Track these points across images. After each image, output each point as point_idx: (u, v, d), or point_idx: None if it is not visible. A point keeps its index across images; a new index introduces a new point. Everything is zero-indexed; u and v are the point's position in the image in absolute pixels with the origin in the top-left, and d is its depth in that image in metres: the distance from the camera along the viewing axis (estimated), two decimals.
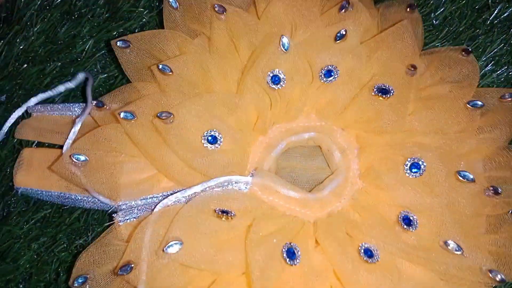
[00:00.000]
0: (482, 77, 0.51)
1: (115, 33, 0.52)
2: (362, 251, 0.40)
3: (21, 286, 0.45)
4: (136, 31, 0.52)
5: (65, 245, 0.46)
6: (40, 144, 0.48)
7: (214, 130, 0.43)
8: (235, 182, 0.43)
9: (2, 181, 0.47)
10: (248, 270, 0.38)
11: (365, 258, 0.39)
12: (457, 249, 0.39)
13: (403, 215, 0.41)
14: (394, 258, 0.41)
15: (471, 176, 0.41)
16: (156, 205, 0.41)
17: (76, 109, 0.47)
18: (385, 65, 0.46)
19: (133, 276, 0.38)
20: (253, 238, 0.39)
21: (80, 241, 0.46)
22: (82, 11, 0.52)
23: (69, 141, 0.43)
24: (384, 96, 0.44)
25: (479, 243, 0.41)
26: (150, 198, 0.43)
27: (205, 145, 0.43)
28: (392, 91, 0.44)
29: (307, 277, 0.39)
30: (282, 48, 0.44)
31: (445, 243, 0.40)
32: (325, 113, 0.47)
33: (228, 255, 0.39)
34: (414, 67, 0.45)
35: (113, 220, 0.42)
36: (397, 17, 0.48)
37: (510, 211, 0.44)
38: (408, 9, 0.49)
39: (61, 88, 0.49)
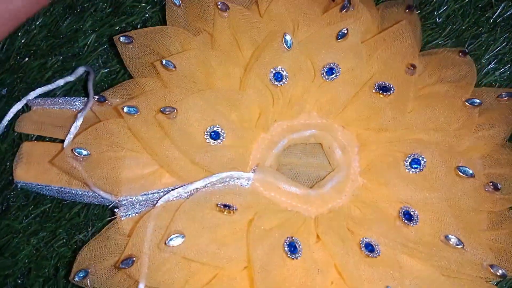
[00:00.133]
0: (485, 75, 0.53)
1: (117, 28, 0.53)
2: (363, 245, 0.41)
3: (19, 281, 0.46)
4: (139, 26, 0.53)
5: (65, 240, 0.47)
6: (40, 138, 0.49)
7: (217, 126, 0.44)
8: (237, 178, 0.44)
9: (2, 175, 0.48)
10: (250, 264, 0.39)
11: (366, 253, 0.41)
12: (458, 243, 0.41)
13: (403, 210, 0.43)
14: (395, 252, 0.42)
15: (471, 171, 0.42)
16: (158, 200, 0.42)
17: (77, 103, 0.48)
18: (385, 64, 0.48)
19: (134, 269, 0.39)
20: (255, 232, 0.40)
21: (80, 236, 0.47)
22: (85, 5, 0.54)
23: (70, 136, 0.44)
24: (384, 93, 0.45)
25: (480, 239, 0.43)
26: (151, 193, 0.44)
27: (207, 140, 0.44)
28: (392, 89, 0.45)
29: (308, 271, 0.40)
30: (285, 45, 0.45)
31: (446, 237, 0.41)
32: (326, 111, 0.48)
33: (230, 249, 0.40)
34: (413, 66, 0.46)
35: (115, 215, 0.43)
36: (396, 18, 0.50)
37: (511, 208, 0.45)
38: (407, 10, 0.50)
39: (60, 81, 0.49)
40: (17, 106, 0.48)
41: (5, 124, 0.48)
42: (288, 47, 0.45)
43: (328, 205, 0.45)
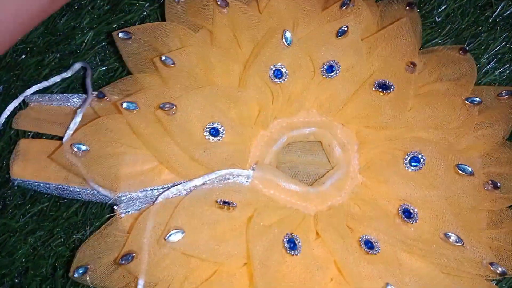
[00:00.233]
0: (485, 74, 0.54)
1: (115, 25, 0.54)
2: (363, 242, 0.42)
3: (17, 280, 0.46)
4: (137, 23, 0.54)
5: (63, 239, 0.47)
6: (37, 136, 0.49)
7: (216, 122, 0.45)
8: (237, 175, 0.44)
9: None
10: (250, 260, 0.40)
11: (365, 250, 0.41)
12: (457, 241, 0.41)
13: (403, 208, 0.43)
14: (395, 250, 0.43)
15: (470, 169, 0.43)
16: (157, 197, 0.42)
17: (75, 100, 0.49)
18: (385, 62, 0.48)
19: (134, 265, 0.40)
20: (254, 228, 0.41)
21: (78, 235, 0.47)
22: (82, 2, 0.54)
23: (69, 132, 0.44)
24: (384, 92, 0.46)
25: (480, 237, 0.44)
26: (150, 190, 0.44)
27: (207, 137, 0.44)
28: (392, 87, 0.46)
29: (308, 267, 0.41)
30: (285, 42, 0.46)
31: (446, 235, 0.42)
32: (326, 109, 0.49)
33: (229, 246, 0.41)
34: (413, 64, 0.47)
35: (114, 213, 0.44)
36: (396, 15, 0.51)
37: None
38: (407, 8, 0.51)
39: (57, 78, 0.50)
40: (14, 103, 0.49)
41: (2, 121, 0.48)
42: (288, 44, 0.46)
43: (327, 202, 0.46)
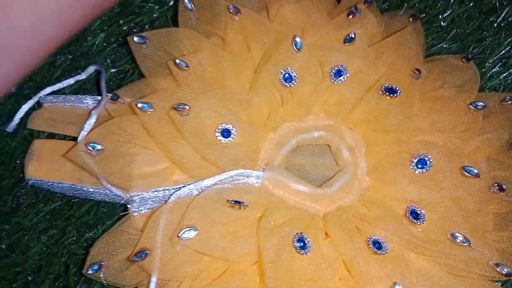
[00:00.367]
0: (489, 79, 0.55)
1: (125, 27, 0.55)
2: (371, 242, 0.44)
3: (30, 278, 0.47)
4: (147, 26, 0.56)
5: (75, 238, 0.48)
6: (50, 137, 0.51)
7: (228, 123, 0.47)
8: (247, 176, 0.46)
9: (12, 172, 0.50)
10: (260, 258, 0.42)
11: (374, 250, 0.43)
12: (464, 241, 0.43)
13: (410, 209, 0.45)
14: (403, 250, 0.44)
15: (476, 171, 0.45)
16: (170, 196, 0.44)
17: (88, 101, 0.51)
18: (391, 68, 0.51)
19: (147, 262, 0.42)
20: (265, 227, 0.43)
21: (90, 234, 0.49)
22: None
23: (84, 132, 0.46)
24: (391, 95, 0.48)
25: (486, 239, 0.45)
26: (162, 190, 0.46)
27: (218, 138, 0.46)
28: (398, 91, 0.48)
29: (317, 266, 0.43)
30: (295, 47, 0.48)
31: (453, 235, 0.44)
32: (334, 113, 0.51)
33: (241, 244, 0.43)
34: (418, 70, 0.49)
35: (126, 211, 0.46)
36: (400, 26, 0.53)
37: None
38: (411, 19, 0.54)
39: (71, 80, 0.52)
40: (29, 104, 0.50)
41: (17, 121, 0.50)
42: (297, 49, 0.48)
43: (336, 203, 0.48)
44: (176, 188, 0.46)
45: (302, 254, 0.42)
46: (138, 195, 0.46)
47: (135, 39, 0.49)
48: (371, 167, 0.49)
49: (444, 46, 0.56)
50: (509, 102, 0.51)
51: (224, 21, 0.50)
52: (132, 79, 0.53)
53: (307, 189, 0.48)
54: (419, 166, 0.46)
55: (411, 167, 0.47)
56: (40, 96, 0.51)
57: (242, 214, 0.44)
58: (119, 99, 0.48)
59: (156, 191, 0.46)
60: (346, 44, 0.50)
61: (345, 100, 0.50)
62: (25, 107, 0.50)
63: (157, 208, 0.44)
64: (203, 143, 0.46)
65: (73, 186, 0.48)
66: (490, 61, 0.56)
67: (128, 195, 0.46)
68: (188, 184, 0.45)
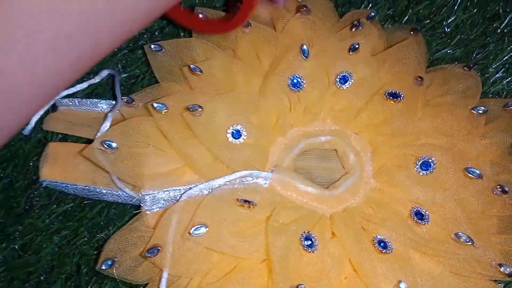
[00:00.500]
0: (492, 84, 0.58)
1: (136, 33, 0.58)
2: (376, 242, 0.46)
3: (42, 278, 0.49)
4: (156, 32, 0.59)
5: (87, 239, 0.50)
6: (63, 140, 0.53)
7: (239, 125, 0.49)
8: (256, 177, 0.49)
9: (26, 174, 0.52)
10: (268, 255, 0.44)
11: (379, 249, 0.45)
12: (468, 240, 0.45)
13: (415, 210, 0.48)
14: (407, 250, 0.46)
15: (478, 172, 0.48)
16: (181, 195, 0.47)
17: (103, 105, 0.53)
18: (394, 76, 0.53)
19: (159, 258, 0.44)
20: (273, 225, 0.45)
21: (102, 235, 0.50)
22: None
23: (99, 134, 0.48)
24: (395, 99, 0.51)
25: (490, 241, 0.47)
26: (173, 190, 0.49)
27: (229, 139, 0.49)
28: (402, 96, 0.51)
29: (324, 265, 0.45)
30: (303, 55, 0.51)
31: (456, 235, 0.46)
32: (340, 118, 0.54)
33: (250, 242, 0.45)
34: (421, 78, 0.52)
35: (138, 210, 0.48)
36: (401, 39, 0.56)
37: None
38: (412, 32, 0.56)
39: (84, 84, 0.54)
40: (44, 107, 0.52)
41: (33, 125, 0.52)
42: (305, 56, 0.51)
43: (342, 205, 0.50)
44: (187, 188, 0.48)
45: (310, 252, 0.44)
46: (150, 194, 0.48)
47: (152, 47, 0.53)
48: (376, 169, 0.52)
49: (448, 51, 0.58)
50: None
51: (235, 34, 0.53)
52: (142, 84, 0.55)
53: (314, 190, 0.50)
54: (423, 168, 0.49)
55: (415, 169, 0.49)
56: (56, 99, 0.53)
57: (251, 213, 0.46)
58: (134, 103, 0.51)
59: (167, 190, 0.48)
60: (350, 53, 0.53)
61: (351, 105, 0.53)
62: (40, 111, 0.52)
63: (169, 207, 0.47)
64: (215, 143, 0.48)
65: (87, 187, 0.50)
66: (493, 66, 0.58)
67: (140, 194, 0.48)
68: (199, 184, 0.48)
